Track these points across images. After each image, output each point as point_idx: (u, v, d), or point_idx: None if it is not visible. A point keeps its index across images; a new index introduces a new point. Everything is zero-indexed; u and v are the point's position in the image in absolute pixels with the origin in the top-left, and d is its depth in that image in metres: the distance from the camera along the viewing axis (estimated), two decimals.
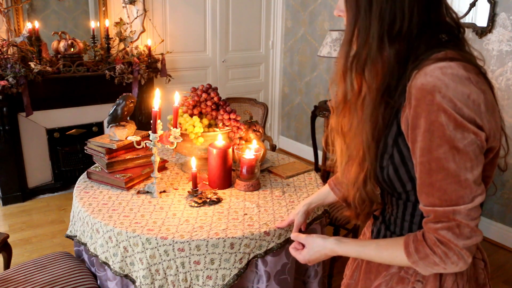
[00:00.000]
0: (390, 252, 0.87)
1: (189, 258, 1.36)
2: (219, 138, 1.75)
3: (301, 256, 1.05)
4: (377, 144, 0.86)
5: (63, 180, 3.50)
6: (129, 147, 1.82)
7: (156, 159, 1.65)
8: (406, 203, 0.90)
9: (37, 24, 3.02)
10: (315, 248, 1.02)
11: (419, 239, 0.82)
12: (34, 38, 3.00)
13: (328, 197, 1.28)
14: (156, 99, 1.57)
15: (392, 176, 0.86)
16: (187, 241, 1.35)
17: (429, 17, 0.82)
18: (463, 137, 0.74)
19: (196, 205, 1.59)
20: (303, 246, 1.06)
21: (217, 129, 1.80)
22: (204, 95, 1.82)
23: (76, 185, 1.78)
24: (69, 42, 3.18)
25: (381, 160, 0.86)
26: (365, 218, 1.00)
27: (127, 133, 1.80)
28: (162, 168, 1.94)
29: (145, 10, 3.51)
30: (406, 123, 0.79)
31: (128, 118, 1.86)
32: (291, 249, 1.10)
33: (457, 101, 0.73)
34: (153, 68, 3.51)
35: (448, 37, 0.84)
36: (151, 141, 1.60)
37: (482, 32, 2.76)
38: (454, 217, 0.77)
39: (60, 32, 3.27)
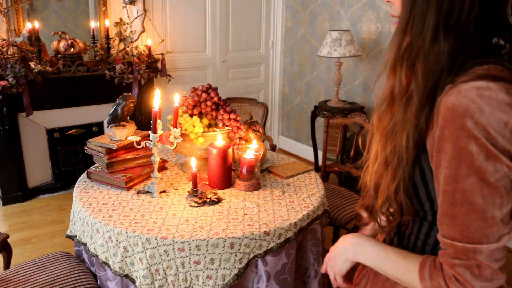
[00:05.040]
0: (408, 262, 0.79)
1: (189, 258, 1.36)
2: (219, 138, 1.75)
3: (326, 258, 0.98)
4: (416, 150, 0.77)
5: (63, 180, 3.50)
6: (129, 147, 1.82)
7: (156, 159, 1.65)
8: (422, 221, 0.84)
9: (37, 24, 3.02)
10: (335, 248, 0.95)
11: (437, 267, 0.74)
12: (34, 38, 3.00)
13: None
14: (156, 99, 1.57)
15: (410, 194, 0.80)
16: (187, 241, 1.35)
17: (489, 13, 0.72)
18: (495, 169, 0.66)
19: (196, 205, 1.59)
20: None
21: (217, 129, 1.80)
22: (204, 95, 1.82)
23: (76, 185, 1.78)
24: (69, 42, 3.18)
25: None
26: (390, 229, 0.90)
27: (127, 133, 1.80)
28: (162, 168, 1.94)
29: (145, 10, 3.51)
30: (432, 142, 0.72)
31: (128, 118, 1.86)
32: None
33: (491, 129, 0.65)
34: (153, 68, 3.51)
35: (504, 41, 0.74)
36: (151, 141, 1.60)
37: None
38: (475, 256, 0.69)
39: (60, 32, 3.27)
